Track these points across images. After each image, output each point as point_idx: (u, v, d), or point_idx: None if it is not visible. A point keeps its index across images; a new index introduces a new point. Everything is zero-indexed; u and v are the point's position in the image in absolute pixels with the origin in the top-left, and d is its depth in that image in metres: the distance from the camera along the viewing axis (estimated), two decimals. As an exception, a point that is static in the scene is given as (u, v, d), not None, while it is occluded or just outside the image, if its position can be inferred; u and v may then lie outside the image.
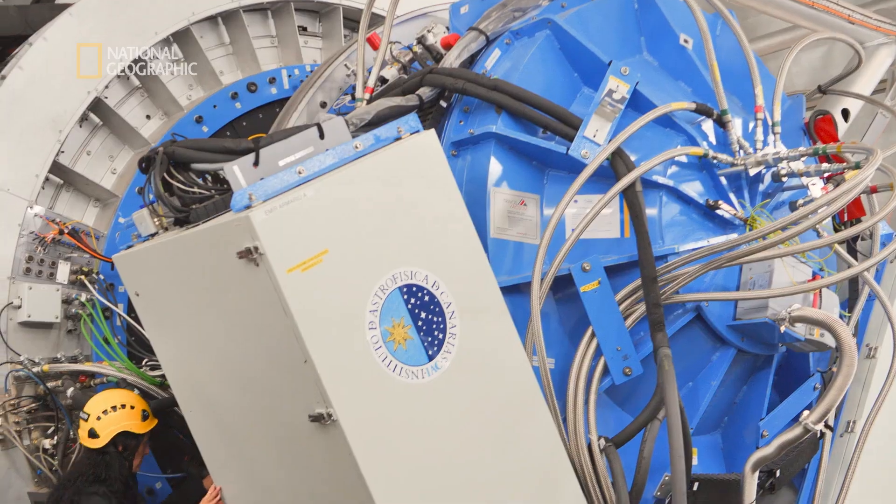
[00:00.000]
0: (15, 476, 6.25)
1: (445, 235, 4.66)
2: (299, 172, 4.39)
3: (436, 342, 4.54)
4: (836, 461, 5.97)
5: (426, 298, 4.54)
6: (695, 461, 5.52)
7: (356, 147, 4.57)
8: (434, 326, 4.54)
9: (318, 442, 4.35)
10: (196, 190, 4.78)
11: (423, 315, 4.52)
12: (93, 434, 5.55)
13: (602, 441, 5.01)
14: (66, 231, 6.37)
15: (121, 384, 5.97)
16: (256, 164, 4.51)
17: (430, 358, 4.52)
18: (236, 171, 4.46)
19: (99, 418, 5.56)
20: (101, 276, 6.46)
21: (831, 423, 5.81)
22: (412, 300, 4.50)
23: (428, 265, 4.57)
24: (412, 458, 4.42)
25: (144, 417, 5.65)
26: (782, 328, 5.08)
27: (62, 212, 6.63)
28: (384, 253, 4.47)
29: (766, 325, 5.16)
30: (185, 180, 4.79)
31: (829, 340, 5.25)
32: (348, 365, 4.30)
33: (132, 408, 5.62)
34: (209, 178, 4.95)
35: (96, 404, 5.63)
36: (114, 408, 5.59)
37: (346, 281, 4.35)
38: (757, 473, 5.26)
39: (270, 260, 4.16)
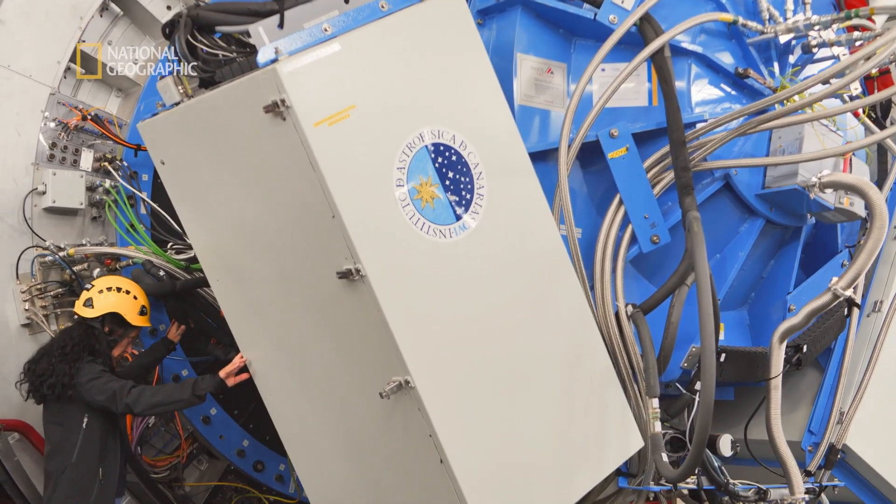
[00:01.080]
0: (43, 360, 6.28)
1: (472, 96, 4.63)
2: (325, 30, 4.35)
3: (463, 202, 4.51)
4: (863, 340, 5.93)
5: (453, 158, 4.51)
6: (722, 336, 5.50)
7: (382, 6, 4.52)
8: (462, 186, 4.51)
9: (346, 300, 4.34)
10: (220, 53, 4.73)
11: (450, 175, 4.49)
12: (88, 303, 5.53)
13: (629, 308, 5.00)
14: (88, 117, 6.33)
15: (146, 265, 5.96)
16: (281, 25, 4.48)
17: (458, 217, 4.50)
18: (261, 33, 4.43)
19: (101, 292, 5.55)
20: (125, 164, 6.43)
21: (858, 300, 5.77)
22: (439, 159, 4.47)
23: (455, 125, 4.54)
24: (439, 316, 4.42)
25: (142, 313, 5.62)
26: (812, 195, 5.04)
27: (84, 101, 6.59)
28: (411, 111, 4.44)
29: (795, 192, 5.12)
30: (209, 43, 4.73)
31: (858, 209, 5.21)
32: (376, 221, 4.29)
33: (135, 298, 5.60)
34: (233, 42, 4.89)
35: (104, 280, 5.63)
36: (118, 289, 5.57)
37: (373, 137, 4.33)
38: (784, 345, 5.24)
39: (297, 113, 4.13)
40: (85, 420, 5.41)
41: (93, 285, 5.60)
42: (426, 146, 4.44)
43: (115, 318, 5.55)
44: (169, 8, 6.96)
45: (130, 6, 6.78)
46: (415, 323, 4.33)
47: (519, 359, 4.64)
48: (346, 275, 4.24)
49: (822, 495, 5.69)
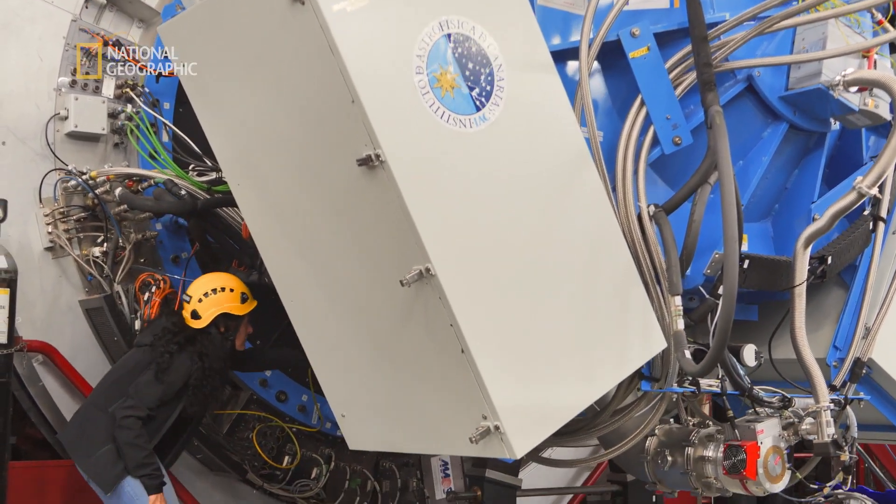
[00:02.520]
0: (66, 284, 6.30)
1: (493, -11, 4.60)
2: (344, -85, 4.33)
3: (483, 93, 4.49)
4: (889, 256, 5.88)
5: (473, 49, 4.49)
6: (745, 248, 5.45)
7: None
8: (482, 78, 4.50)
9: (366, 188, 4.33)
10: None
11: (469, 65, 4.47)
12: (195, 315, 5.61)
13: (652, 208, 4.96)
14: (110, 42, 6.36)
15: (168, 184, 5.97)
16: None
17: (478, 108, 4.48)
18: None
19: (200, 300, 5.61)
20: (147, 90, 6.45)
21: (883, 214, 5.71)
22: (459, 49, 4.45)
23: (475, 16, 4.53)
24: (460, 205, 4.40)
25: (244, 300, 5.70)
26: (836, 94, 4.99)
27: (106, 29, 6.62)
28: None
29: (819, 92, 5.08)
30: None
31: (883, 112, 5.16)
32: (396, 107, 4.28)
33: (231, 291, 5.68)
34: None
35: (198, 287, 5.68)
36: (214, 290, 5.64)
37: (393, 23, 4.33)
38: (808, 251, 5.19)
39: (317, -4, 4.12)
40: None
41: (190, 296, 5.69)
42: (445, 35, 4.42)
43: (224, 318, 5.65)
44: (190, -61, 6.97)
45: (152, -65, 6.78)
46: (435, 210, 4.30)
47: (540, 252, 4.61)
48: (365, 161, 4.23)
49: (848, 408, 5.63)
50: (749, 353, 5.31)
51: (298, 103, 4.51)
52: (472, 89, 4.46)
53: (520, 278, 4.54)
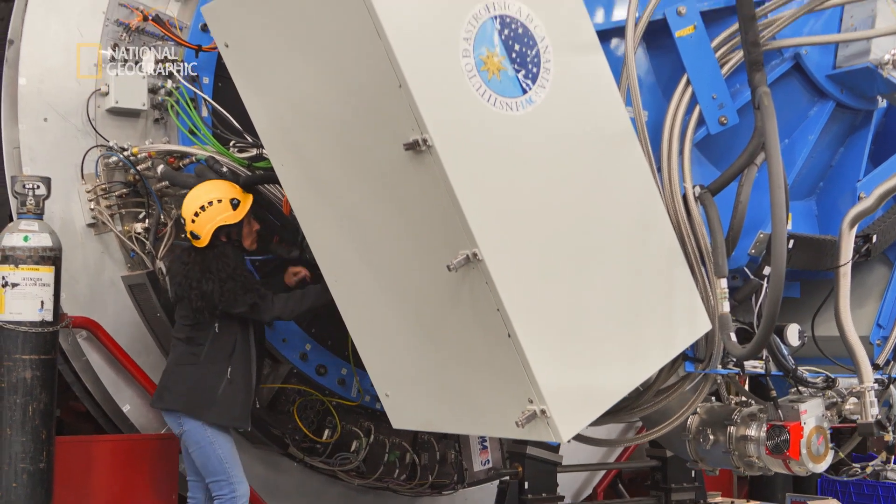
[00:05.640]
0: (108, 260, 6.34)
1: (539, -31, 4.57)
2: None
3: (530, 75, 4.47)
4: (935, 234, 5.82)
5: (520, 31, 4.47)
6: (789, 227, 5.41)
7: None
8: (528, 60, 4.47)
9: (413, 172, 4.32)
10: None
11: (516, 48, 4.45)
12: (195, 236, 5.62)
13: (697, 188, 4.94)
14: (149, 17, 6.35)
15: (209, 161, 5.97)
16: None
17: (525, 91, 4.46)
18: None
19: (193, 221, 5.60)
20: (187, 65, 6.45)
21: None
22: (506, 31, 4.42)
23: (522, -3, 4.49)
24: (507, 189, 4.39)
25: (235, 205, 5.64)
26: (885, 73, 4.94)
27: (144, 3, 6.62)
28: (477, -19, 4.39)
29: (867, 71, 5.03)
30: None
31: (933, 90, 5.10)
32: (443, 91, 4.26)
33: (219, 201, 5.62)
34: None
35: (187, 208, 5.64)
36: (202, 207, 5.59)
37: (439, 5, 4.30)
38: (854, 231, 5.16)
39: (364, -20, 4.10)
40: (216, 326, 5.67)
41: (184, 218, 5.69)
42: (492, 17, 4.39)
43: (222, 229, 5.67)
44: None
45: None
46: (482, 195, 4.30)
47: (586, 235, 4.61)
48: (412, 146, 4.22)
49: (892, 387, 5.61)
50: (793, 332, 5.29)
51: (345, 84, 4.50)
52: (518, 72, 4.44)
53: (565, 261, 4.54)
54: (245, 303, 5.61)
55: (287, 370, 6.75)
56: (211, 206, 5.61)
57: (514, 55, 4.43)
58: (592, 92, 4.68)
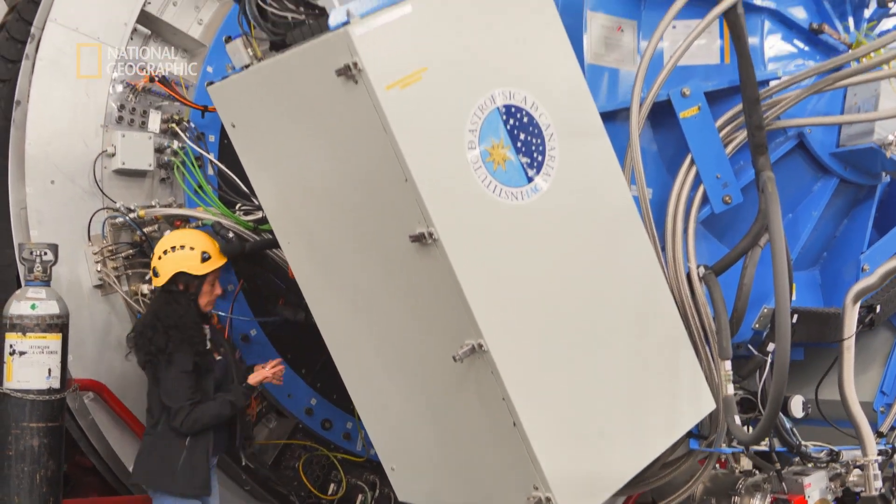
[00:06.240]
0: (115, 320, 6.35)
1: (544, 57, 4.59)
2: (399, -9, 4.31)
3: (535, 163, 4.49)
4: (938, 300, 5.85)
5: (525, 119, 4.48)
6: (793, 297, 5.43)
7: (453, -34, 4.47)
8: (533, 148, 4.49)
9: (419, 263, 4.34)
10: (290, 15, 4.71)
11: (521, 136, 4.46)
12: (155, 273, 5.61)
13: (701, 269, 4.97)
14: (156, 78, 6.37)
15: (216, 227, 6.00)
16: (351, -15, 4.43)
17: (530, 179, 4.48)
18: (331, -7, 4.39)
19: (160, 258, 5.59)
20: (193, 125, 6.47)
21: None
22: (511, 121, 4.44)
23: (526, 85, 4.50)
24: (512, 279, 4.41)
25: (204, 259, 5.62)
26: (889, 153, 4.96)
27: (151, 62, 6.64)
28: (483, 73, 4.41)
29: (871, 150, 5.05)
30: (278, 6, 4.72)
31: (937, 168, 5.12)
32: (449, 184, 4.28)
33: (191, 249, 5.59)
34: (303, 4, 4.87)
35: (161, 244, 5.65)
36: (173, 248, 5.58)
37: (446, 99, 4.31)
38: (858, 306, 5.19)
39: (370, 76, 4.11)
40: None
41: (154, 253, 5.66)
42: (497, 108, 4.41)
43: (182, 276, 5.60)
44: (233, -33, 6.95)
45: (194, -36, 6.78)
46: (488, 286, 4.32)
47: (590, 320, 4.63)
48: (418, 238, 4.24)
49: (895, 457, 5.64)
50: (797, 405, 5.33)
51: (352, 171, 4.51)
52: (523, 160, 4.46)
53: (570, 347, 4.57)
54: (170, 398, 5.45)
55: (292, 425, 6.79)
56: (181, 250, 5.59)
57: (519, 144, 4.45)
58: (597, 176, 4.70)
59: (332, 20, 4.19)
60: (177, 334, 5.49)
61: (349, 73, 4.14)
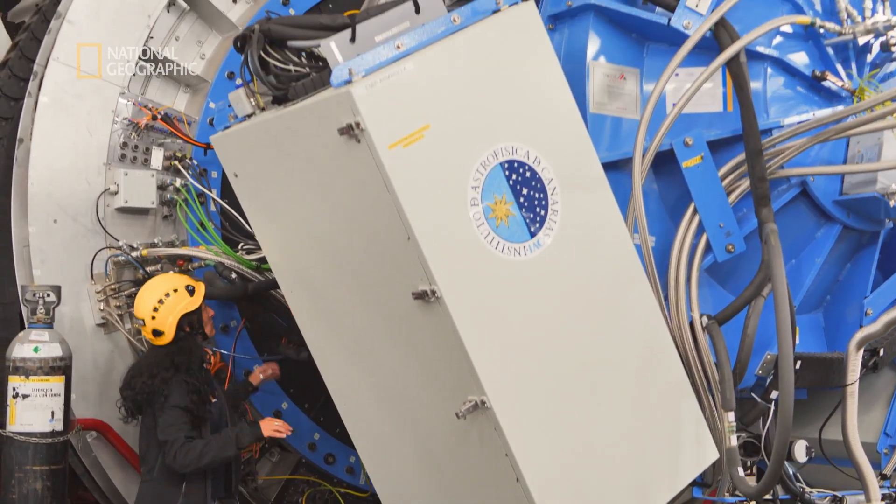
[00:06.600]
0: (118, 358, 6.35)
1: (546, 110, 4.59)
2: (398, 47, 4.31)
3: (538, 218, 4.49)
4: (943, 343, 5.84)
5: (527, 174, 4.48)
6: (797, 341, 5.43)
7: (454, 20, 4.47)
8: (536, 203, 4.48)
9: (421, 319, 4.35)
10: (292, 68, 4.72)
11: (524, 191, 4.46)
12: (158, 333, 5.52)
13: (704, 318, 4.96)
14: (158, 116, 6.36)
15: (218, 268, 6.00)
16: (353, 39, 4.43)
17: (533, 234, 4.47)
18: (333, 48, 4.39)
19: (153, 318, 5.52)
20: (195, 162, 6.47)
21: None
22: (513, 176, 4.44)
23: (529, 140, 4.50)
24: (515, 335, 4.41)
25: (191, 291, 5.59)
26: (892, 202, 4.95)
27: (153, 98, 6.63)
28: (485, 128, 4.41)
29: (874, 199, 5.05)
30: (281, 58, 4.72)
31: (940, 215, 5.11)
32: (451, 242, 4.28)
33: (175, 291, 5.56)
34: (304, 56, 4.87)
35: (143, 306, 5.52)
36: (160, 301, 5.51)
37: (448, 157, 4.31)
38: (861, 351, 5.18)
39: (372, 135, 4.11)
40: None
41: (142, 318, 5.53)
42: (500, 163, 4.41)
43: (185, 319, 5.55)
44: (235, 1, 6.95)
45: (196, 0, 6.78)
46: (490, 343, 4.32)
47: (593, 374, 4.63)
48: (421, 296, 4.25)
49: (901, 499, 5.64)
50: (800, 450, 5.32)
51: (355, 226, 4.51)
52: (526, 216, 4.46)
53: (573, 401, 4.57)
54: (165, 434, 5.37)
55: (295, 460, 6.79)
56: (169, 298, 5.51)
57: (521, 199, 4.45)
58: (599, 228, 4.70)
59: (335, 78, 4.18)
60: (179, 377, 5.46)
61: (352, 132, 4.14)
